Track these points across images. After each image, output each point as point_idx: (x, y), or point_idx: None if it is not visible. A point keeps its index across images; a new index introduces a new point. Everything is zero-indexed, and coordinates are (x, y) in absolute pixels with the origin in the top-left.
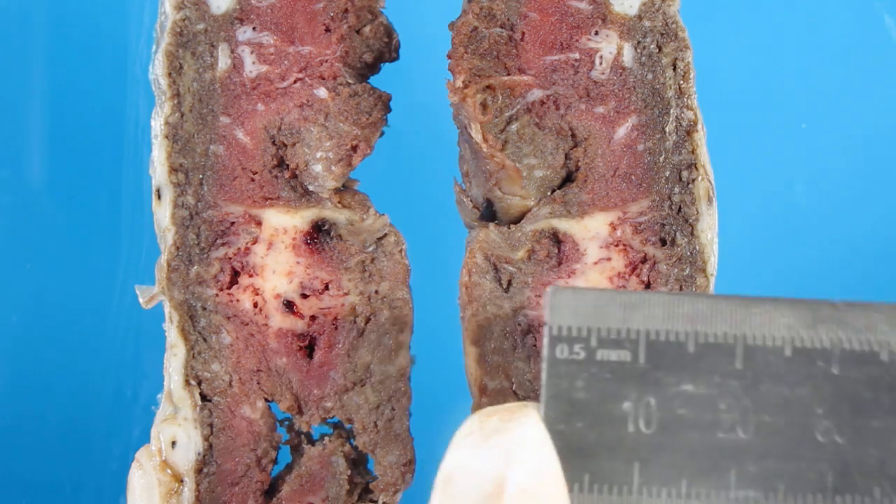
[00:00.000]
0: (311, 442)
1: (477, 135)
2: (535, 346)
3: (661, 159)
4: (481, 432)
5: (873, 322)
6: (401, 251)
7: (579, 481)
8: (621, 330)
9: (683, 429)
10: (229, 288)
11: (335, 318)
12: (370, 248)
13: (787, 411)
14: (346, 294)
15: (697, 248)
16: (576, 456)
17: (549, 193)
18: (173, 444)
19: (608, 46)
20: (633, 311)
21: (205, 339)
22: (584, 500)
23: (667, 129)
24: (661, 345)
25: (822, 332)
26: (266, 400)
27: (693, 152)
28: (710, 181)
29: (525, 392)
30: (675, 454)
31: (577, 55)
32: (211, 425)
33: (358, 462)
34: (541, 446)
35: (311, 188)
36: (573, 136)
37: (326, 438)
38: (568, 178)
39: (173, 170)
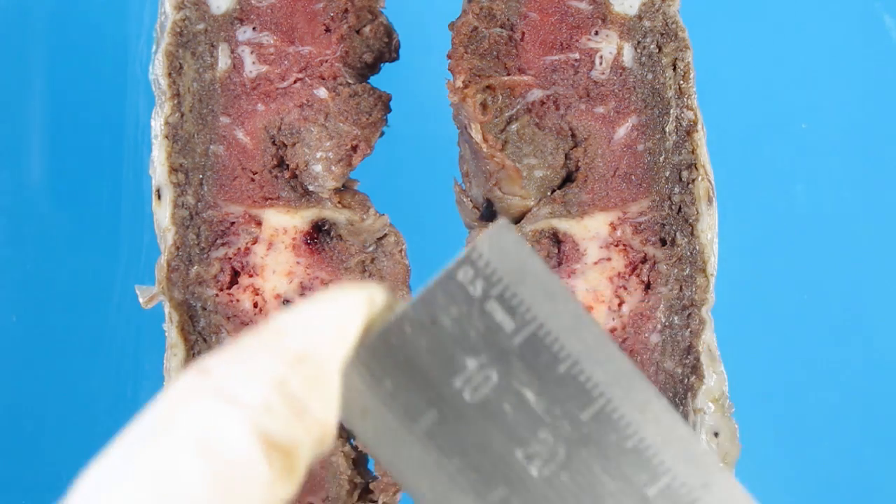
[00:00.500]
0: None
1: (477, 135)
2: None
3: (661, 159)
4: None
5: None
6: (401, 251)
7: (382, 383)
8: (525, 304)
9: (496, 423)
10: (229, 288)
11: None
12: (370, 249)
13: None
14: None
15: (697, 248)
16: (397, 363)
17: (549, 193)
18: None
19: (608, 46)
20: (547, 298)
21: (205, 340)
22: (372, 401)
23: (667, 129)
24: (542, 345)
25: (689, 472)
26: None
27: (693, 152)
28: (710, 181)
29: None
30: (469, 435)
31: (577, 55)
32: None
33: (358, 462)
34: (347, 313)
35: (311, 188)
36: (573, 136)
37: None
38: (568, 178)
39: (173, 170)
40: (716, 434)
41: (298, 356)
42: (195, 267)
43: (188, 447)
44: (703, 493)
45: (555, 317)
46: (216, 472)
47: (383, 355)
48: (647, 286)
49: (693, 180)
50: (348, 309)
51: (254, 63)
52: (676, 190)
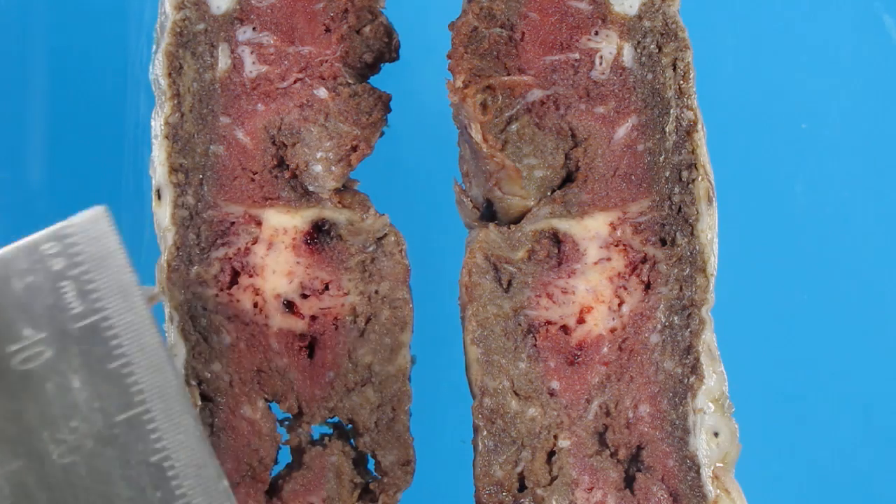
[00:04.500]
0: (312, 442)
1: (477, 135)
2: (535, 346)
3: (662, 159)
4: None
5: None
6: (401, 251)
7: None
8: (97, 292)
9: (34, 399)
10: (229, 288)
11: (335, 319)
12: (370, 248)
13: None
14: (346, 294)
15: (697, 247)
16: None
17: (549, 193)
18: None
19: (608, 46)
20: (120, 293)
21: (205, 340)
22: None
23: (667, 129)
24: (100, 336)
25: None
26: (266, 400)
27: (693, 152)
28: (710, 181)
29: (525, 392)
30: (3, 401)
31: (577, 55)
32: (211, 425)
33: (358, 462)
34: None
35: (311, 188)
36: (573, 136)
37: (326, 438)
38: (568, 178)
39: (173, 170)
40: (716, 434)
41: None
42: (195, 267)
43: None
44: None
45: (122, 314)
46: None
47: None
48: (647, 286)
49: (693, 180)
50: None
51: (254, 63)
52: (676, 190)
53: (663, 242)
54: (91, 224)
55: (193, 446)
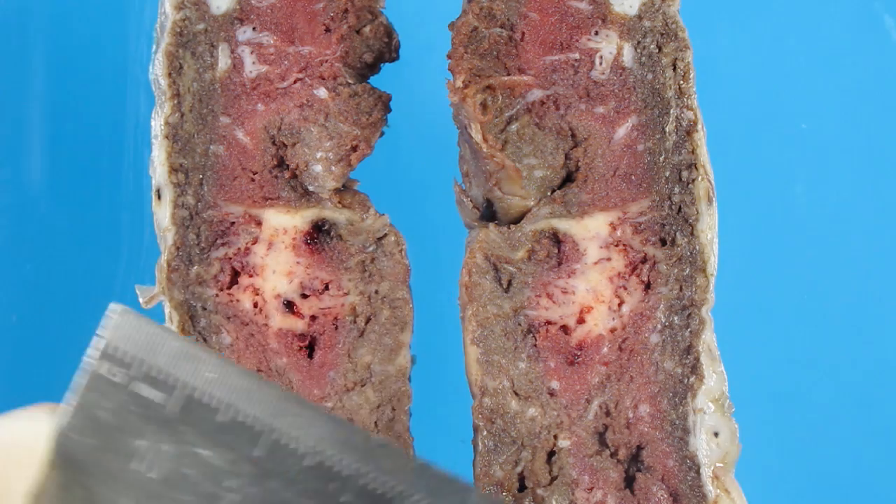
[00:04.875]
0: None
1: (477, 135)
2: (535, 346)
3: (661, 159)
4: None
5: (400, 470)
6: (401, 251)
7: (73, 493)
8: (165, 373)
9: (183, 489)
10: (229, 288)
11: (335, 318)
12: (370, 248)
13: None
14: (346, 294)
15: (697, 248)
16: (78, 469)
17: (549, 193)
18: None
19: (608, 46)
20: (185, 360)
21: (205, 340)
22: None
23: (667, 129)
24: (196, 403)
25: (349, 459)
26: None
27: (693, 152)
28: (710, 181)
29: (525, 392)
30: None
31: (577, 55)
32: None
33: None
34: (27, 439)
35: (311, 188)
36: (573, 136)
37: None
38: (568, 178)
39: (173, 170)
40: (716, 434)
41: None
42: (195, 267)
43: None
44: None
45: (197, 375)
46: None
47: (63, 467)
48: (647, 286)
49: (693, 180)
50: (28, 434)
51: (254, 63)
52: (676, 190)
53: (663, 242)
54: (120, 326)
55: (329, 428)
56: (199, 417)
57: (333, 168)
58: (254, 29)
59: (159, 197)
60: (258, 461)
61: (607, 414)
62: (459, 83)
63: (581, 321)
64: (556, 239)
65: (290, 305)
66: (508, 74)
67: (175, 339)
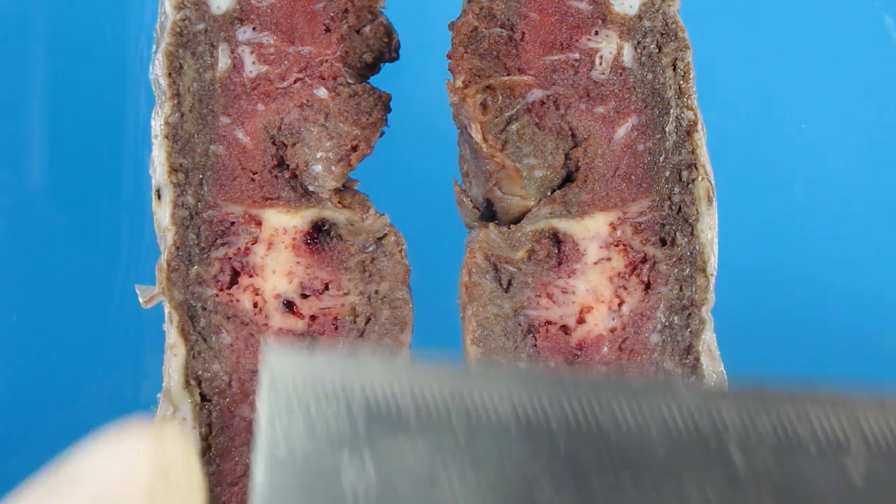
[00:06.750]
0: None
1: (477, 135)
2: (535, 346)
3: (662, 159)
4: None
5: (601, 394)
6: (401, 251)
7: None
8: (337, 388)
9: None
10: (229, 288)
11: (335, 319)
12: (370, 248)
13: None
14: (346, 294)
15: (697, 248)
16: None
17: (549, 193)
18: None
19: (608, 46)
20: (351, 372)
21: (205, 340)
22: None
23: (667, 129)
24: (378, 408)
25: (548, 407)
26: None
27: (693, 152)
28: (710, 181)
29: None
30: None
31: (577, 55)
32: (210, 425)
33: None
34: (135, 456)
35: (311, 188)
36: (573, 136)
37: None
38: (568, 178)
39: (173, 170)
40: None
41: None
42: (195, 267)
43: None
44: None
45: (368, 382)
46: None
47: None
48: (647, 286)
49: (693, 180)
50: (135, 451)
51: (254, 63)
52: (676, 190)
53: (663, 242)
54: (280, 364)
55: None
56: (383, 444)
57: (333, 168)
58: (254, 29)
59: (159, 197)
60: (464, 445)
61: None
62: (459, 83)
63: (581, 321)
64: (556, 239)
65: (289, 305)
66: (508, 74)
67: (330, 359)
